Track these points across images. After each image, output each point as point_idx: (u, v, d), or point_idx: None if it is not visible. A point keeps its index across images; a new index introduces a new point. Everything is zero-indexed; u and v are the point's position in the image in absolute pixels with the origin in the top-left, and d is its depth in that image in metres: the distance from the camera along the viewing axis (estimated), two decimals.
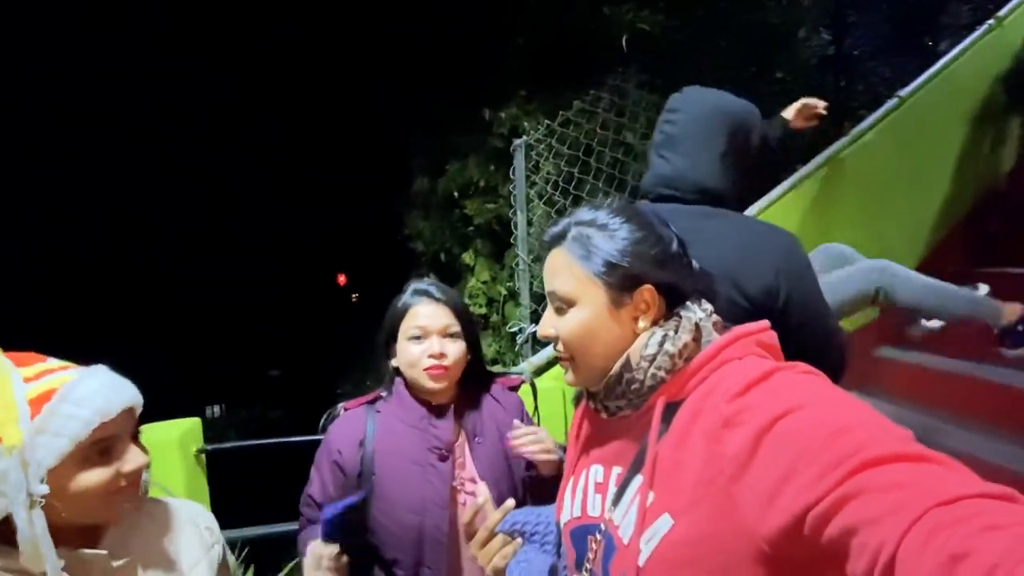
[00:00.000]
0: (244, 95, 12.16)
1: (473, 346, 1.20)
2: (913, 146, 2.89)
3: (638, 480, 0.70)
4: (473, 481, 1.15)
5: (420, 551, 1.09)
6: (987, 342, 2.08)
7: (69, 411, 0.71)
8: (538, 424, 1.34)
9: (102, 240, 13.23)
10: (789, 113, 1.87)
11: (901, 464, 0.50)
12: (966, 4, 5.16)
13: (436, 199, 5.12)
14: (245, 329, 14.21)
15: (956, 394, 2.13)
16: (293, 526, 1.16)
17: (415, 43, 5.46)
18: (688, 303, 0.76)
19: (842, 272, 1.99)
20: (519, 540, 0.88)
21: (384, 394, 1.21)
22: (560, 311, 0.78)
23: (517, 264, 3.32)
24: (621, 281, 0.74)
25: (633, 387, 0.73)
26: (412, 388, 1.18)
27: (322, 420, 1.26)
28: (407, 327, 1.15)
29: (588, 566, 0.75)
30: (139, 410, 0.80)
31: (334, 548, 0.99)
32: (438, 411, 1.17)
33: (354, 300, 15.30)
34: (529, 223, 3.22)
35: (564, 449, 1.01)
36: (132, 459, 0.76)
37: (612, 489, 0.75)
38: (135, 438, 0.79)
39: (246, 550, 2.20)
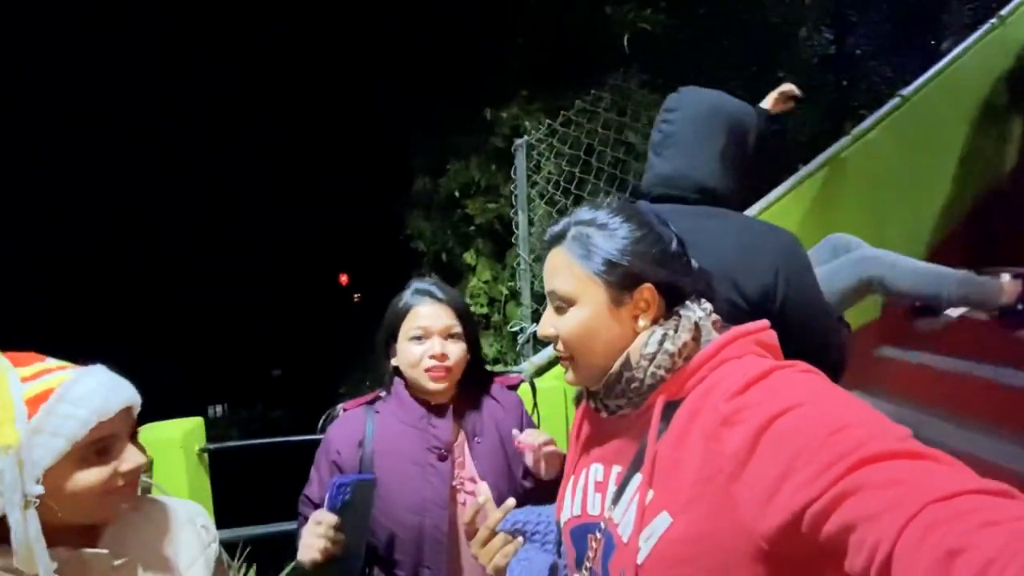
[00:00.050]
0: (244, 95, 12.16)
1: (473, 346, 1.19)
2: (915, 145, 2.88)
3: (637, 479, 0.70)
4: (473, 481, 1.14)
5: (420, 551, 1.09)
6: (987, 341, 2.08)
7: (66, 411, 0.70)
8: (538, 423, 1.34)
9: (102, 240, 13.23)
10: (768, 103, 1.86)
11: (899, 461, 0.50)
12: (968, 3, 5.15)
13: (437, 199, 5.13)
14: (247, 329, 14.22)
15: (956, 394, 2.12)
16: (295, 525, 1.16)
17: (415, 43, 5.46)
18: (688, 302, 0.76)
19: (834, 263, 1.96)
20: (520, 539, 0.88)
21: (383, 394, 1.21)
22: (560, 310, 0.78)
23: (518, 264, 3.32)
24: (621, 280, 0.74)
25: (633, 386, 0.73)
26: (411, 388, 1.17)
27: (321, 420, 1.26)
28: (408, 327, 1.15)
29: (588, 564, 0.75)
30: (137, 410, 0.79)
31: (334, 518, 0.99)
32: (437, 411, 1.16)
33: (356, 300, 15.30)
34: (530, 223, 3.22)
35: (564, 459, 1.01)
36: (130, 459, 0.76)
37: (612, 488, 0.75)
38: (133, 438, 0.79)
39: (248, 549, 2.20)
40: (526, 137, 3.32)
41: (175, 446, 1.91)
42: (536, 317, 3.13)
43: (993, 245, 2.89)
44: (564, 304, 0.77)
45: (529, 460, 1.09)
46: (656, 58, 4.19)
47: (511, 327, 3.63)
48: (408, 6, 5.41)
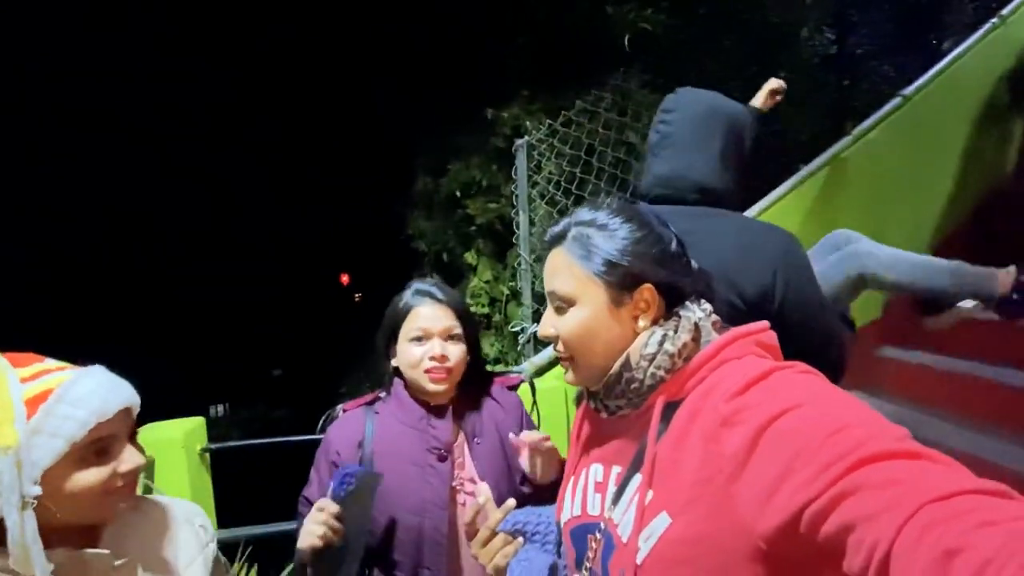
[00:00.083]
0: (244, 95, 12.18)
1: (473, 347, 1.19)
2: (916, 145, 2.88)
3: (637, 479, 0.70)
4: (472, 481, 1.14)
5: (419, 552, 1.08)
6: (988, 341, 2.08)
7: (65, 411, 0.70)
8: (538, 423, 1.34)
9: (102, 240, 13.25)
10: (758, 101, 1.86)
11: (897, 461, 0.50)
12: (970, 2, 5.15)
13: (438, 199, 5.13)
14: (249, 329, 14.24)
15: (956, 394, 2.12)
16: (295, 525, 1.16)
17: (416, 43, 5.46)
18: (687, 303, 0.76)
19: (830, 259, 1.94)
20: (520, 539, 0.88)
21: (383, 395, 1.21)
22: (560, 311, 0.78)
23: (519, 264, 3.32)
24: (621, 280, 0.74)
25: (633, 386, 0.73)
26: (411, 389, 1.17)
27: (320, 421, 1.26)
28: (409, 328, 1.15)
29: (588, 565, 0.75)
30: (136, 410, 0.79)
31: (336, 507, 0.99)
32: (437, 411, 1.16)
33: (357, 300, 15.32)
34: (531, 223, 3.22)
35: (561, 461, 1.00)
36: (129, 459, 0.76)
37: (612, 488, 0.75)
38: (132, 438, 0.79)
39: (249, 549, 2.20)
40: (527, 137, 3.32)
41: (176, 446, 1.91)
42: (537, 317, 3.13)
43: (995, 245, 2.89)
44: (564, 304, 0.77)
45: (524, 460, 1.09)
46: (657, 58, 4.19)
47: (512, 327, 3.63)
48: (408, 6, 5.42)
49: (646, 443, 0.70)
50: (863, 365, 2.41)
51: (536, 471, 1.07)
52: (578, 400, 0.91)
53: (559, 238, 0.80)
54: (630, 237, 0.75)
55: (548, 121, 3.46)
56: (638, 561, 0.66)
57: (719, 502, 0.61)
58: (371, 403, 1.21)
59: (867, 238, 1.99)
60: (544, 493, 1.05)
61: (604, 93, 3.54)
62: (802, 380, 0.64)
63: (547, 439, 1.09)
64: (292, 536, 1.08)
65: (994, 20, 3.15)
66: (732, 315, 0.79)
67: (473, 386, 1.22)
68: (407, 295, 1.18)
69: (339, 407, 1.24)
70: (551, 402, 2.06)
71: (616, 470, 0.76)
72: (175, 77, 11.87)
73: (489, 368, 1.29)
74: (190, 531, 0.89)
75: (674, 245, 0.78)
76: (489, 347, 4.23)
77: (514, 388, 1.32)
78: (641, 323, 0.75)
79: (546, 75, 4.42)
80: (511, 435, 1.10)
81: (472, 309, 4.37)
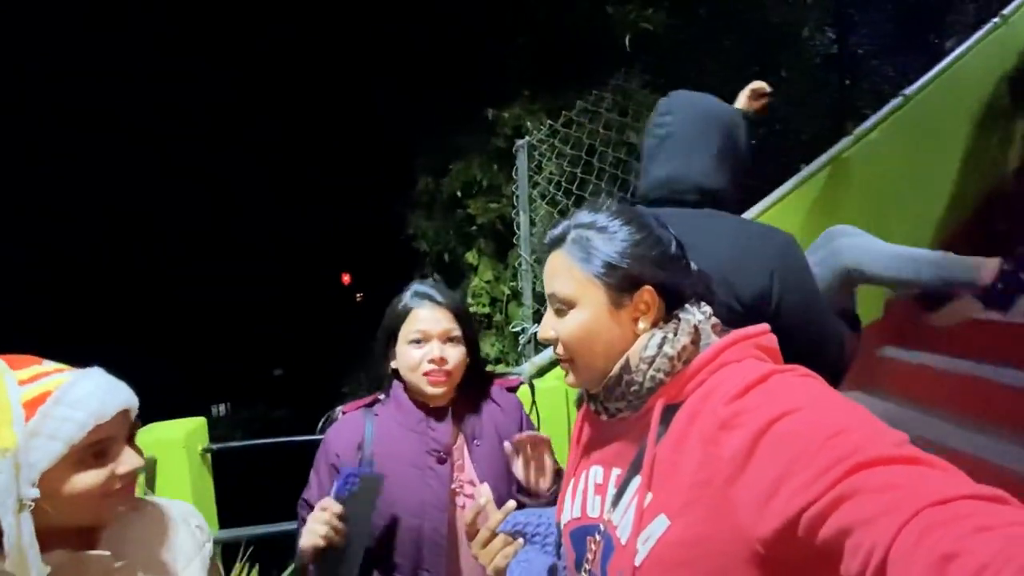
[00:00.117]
0: (244, 95, 12.19)
1: (472, 348, 1.19)
2: (918, 145, 2.88)
3: (636, 481, 0.70)
4: (472, 484, 1.14)
5: (419, 554, 1.08)
6: (988, 342, 2.07)
7: (64, 414, 0.70)
8: (537, 423, 1.33)
9: (102, 240, 13.26)
10: (741, 103, 1.85)
11: (895, 466, 0.51)
12: (971, 2, 5.15)
13: (439, 199, 5.13)
14: (250, 329, 14.25)
15: (956, 394, 2.12)
16: (296, 525, 1.16)
17: (416, 43, 5.46)
18: (687, 305, 0.76)
19: (819, 255, 1.92)
20: (520, 540, 0.88)
21: (382, 397, 1.20)
22: (560, 313, 0.78)
23: (520, 264, 3.32)
24: (621, 282, 0.74)
25: (632, 389, 0.73)
26: (410, 391, 1.17)
27: (320, 423, 1.26)
28: (408, 330, 1.14)
29: (587, 567, 0.75)
30: (134, 412, 0.79)
31: (339, 507, 0.99)
32: (437, 414, 1.15)
33: (358, 300, 15.33)
34: (532, 223, 3.22)
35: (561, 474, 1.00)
36: (127, 461, 0.76)
37: (611, 490, 0.75)
38: (130, 440, 0.79)
39: (251, 549, 2.20)
40: (528, 138, 3.32)
41: (178, 446, 1.91)
42: (538, 317, 3.12)
43: (996, 245, 2.88)
44: (564, 307, 0.77)
45: (517, 468, 1.08)
46: (658, 58, 4.19)
47: (513, 327, 3.63)
48: (408, 6, 5.42)
49: (645, 445, 0.70)
50: (863, 365, 2.41)
51: (530, 479, 1.07)
52: (579, 402, 0.91)
53: (559, 240, 0.79)
54: (630, 239, 0.75)
55: (549, 121, 3.46)
56: (636, 563, 0.66)
57: (717, 504, 0.61)
58: (370, 405, 1.20)
59: (860, 232, 1.97)
60: (538, 501, 1.05)
61: (605, 93, 3.54)
62: (801, 384, 0.64)
63: (539, 437, 1.09)
64: (293, 536, 1.08)
65: (995, 20, 3.15)
66: (729, 317, 0.79)
67: (473, 388, 1.21)
68: (406, 297, 1.17)
69: (338, 409, 1.23)
70: (552, 402, 2.06)
71: (616, 472, 0.76)
72: (175, 77, 11.88)
73: (490, 368, 1.29)
74: (187, 532, 0.89)
75: (674, 247, 0.78)
76: (490, 347, 4.23)
77: (514, 390, 1.31)
78: (641, 325, 0.75)
79: (547, 75, 4.42)
80: (505, 444, 1.10)
81: (473, 309, 4.38)
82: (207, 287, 14.10)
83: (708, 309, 0.77)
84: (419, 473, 1.11)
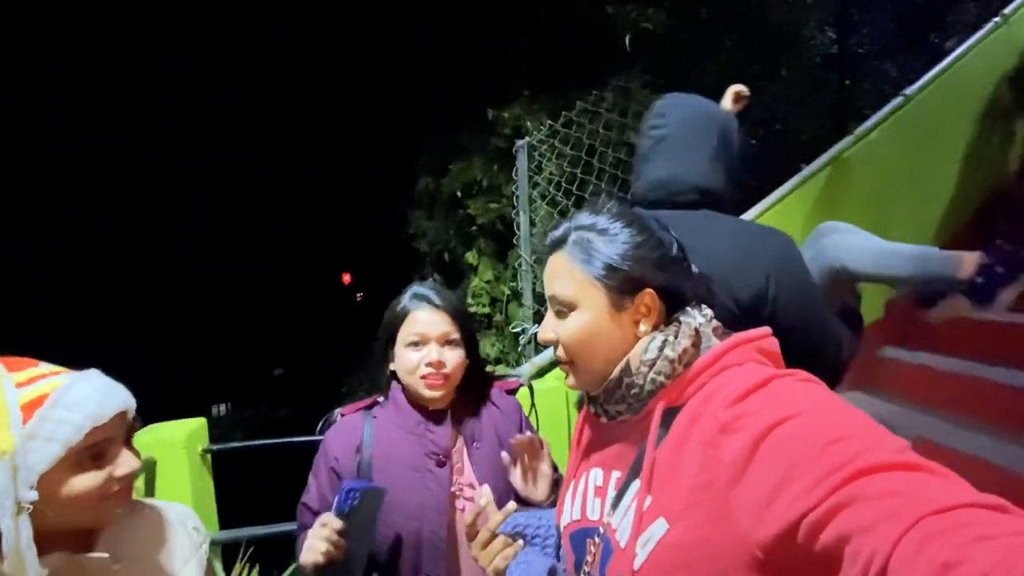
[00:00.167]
0: (244, 95, 12.19)
1: (471, 351, 1.18)
2: (919, 145, 2.88)
3: (636, 484, 0.70)
4: (471, 487, 1.13)
5: (418, 558, 1.08)
6: (988, 342, 2.07)
7: (61, 416, 0.70)
8: (536, 424, 1.33)
9: (102, 240, 13.26)
10: (726, 103, 1.85)
11: (896, 473, 0.50)
12: (972, 2, 5.14)
13: (440, 199, 5.14)
14: (250, 329, 14.26)
15: (956, 394, 2.12)
16: (296, 531, 1.16)
17: (417, 43, 5.47)
18: (688, 308, 0.76)
19: (809, 254, 1.91)
20: (520, 542, 0.88)
21: (381, 399, 1.20)
22: (561, 315, 0.78)
23: (520, 264, 3.32)
24: (622, 285, 0.74)
25: (633, 392, 0.73)
26: (409, 394, 1.16)
27: (319, 425, 1.25)
28: (406, 333, 1.14)
29: (587, 569, 0.75)
30: (132, 414, 0.79)
31: (339, 523, 0.98)
32: (436, 417, 1.15)
33: (359, 299, 15.33)
34: (532, 223, 3.22)
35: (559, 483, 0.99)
36: (125, 463, 0.76)
37: (611, 493, 0.75)
38: (128, 442, 0.79)
39: (251, 549, 2.20)
40: (528, 138, 3.32)
41: (178, 447, 1.91)
42: (538, 318, 3.13)
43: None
44: (565, 309, 0.77)
45: (515, 477, 1.08)
46: (658, 58, 4.19)
47: (513, 328, 3.63)
48: (408, 6, 5.42)
49: (645, 448, 0.70)
50: (863, 365, 2.40)
51: (527, 488, 1.07)
52: (579, 404, 0.90)
53: (560, 242, 0.79)
54: (631, 241, 0.75)
55: (549, 121, 3.45)
56: (635, 567, 0.66)
57: (717, 508, 0.61)
58: (369, 408, 1.20)
59: (851, 228, 1.95)
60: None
61: (605, 93, 3.54)
62: (802, 389, 0.64)
63: (536, 439, 1.08)
64: (293, 537, 1.08)
65: (996, 19, 3.14)
66: (727, 319, 0.79)
67: (472, 390, 1.21)
68: (405, 299, 1.17)
69: (336, 411, 1.23)
70: (551, 403, 2.05)
71: (616, 475, 0.76)
72: (175, 77, 11.89)
73: (490, 369, 1.29)
74: (184, 533, 0.89)
75: (675, 250, 0.78)
76: (490, 347, 4.23)
77: (513, 392, 1.31)
78: (642, 328, 0.74)
79: (547, 75, 4.42)
80: (503, 454, 1.09)
81: (473, 309, 4.38)
82: (207, 287, 14.10)
83: (709, 312, 0.77)
84: (418, 476, 1.10)
